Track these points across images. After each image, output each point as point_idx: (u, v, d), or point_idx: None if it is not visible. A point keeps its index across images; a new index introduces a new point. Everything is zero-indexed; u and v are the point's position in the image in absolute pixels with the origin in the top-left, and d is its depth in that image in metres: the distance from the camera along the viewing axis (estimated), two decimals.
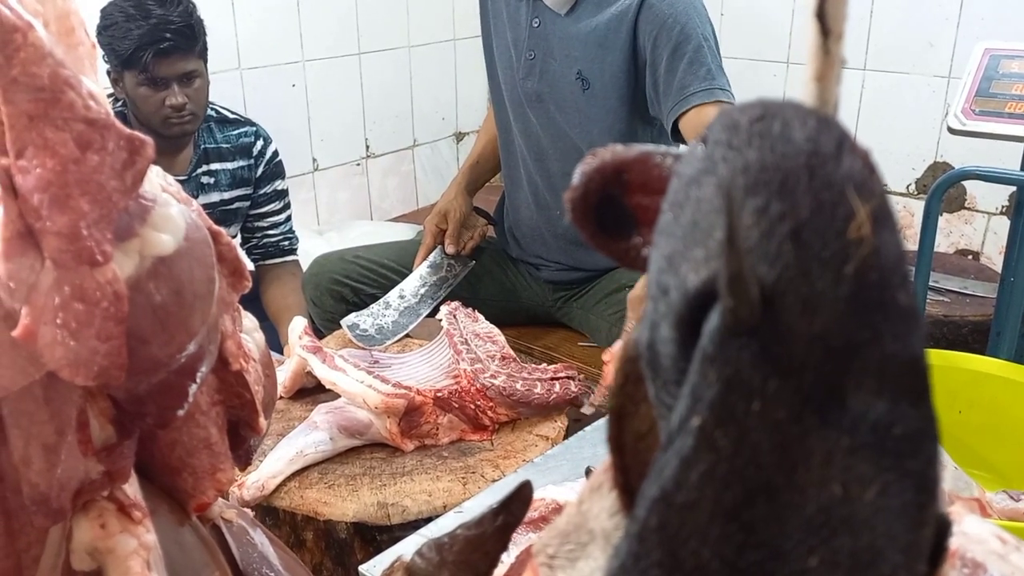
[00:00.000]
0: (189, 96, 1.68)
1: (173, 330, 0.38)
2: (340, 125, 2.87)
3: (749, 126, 0.24)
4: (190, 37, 1.67)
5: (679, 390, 0.24)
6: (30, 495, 0.39)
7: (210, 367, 0.42)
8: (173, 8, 1.64)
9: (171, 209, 0.38)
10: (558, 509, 0.95)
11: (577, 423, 1.55)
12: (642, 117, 1.70)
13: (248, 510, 0.54)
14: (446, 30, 3.14)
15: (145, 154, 0.36)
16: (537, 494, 0.99)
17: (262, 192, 1.95)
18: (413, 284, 1.79)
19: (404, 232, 2.64)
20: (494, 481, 1.25)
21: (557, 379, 1.46)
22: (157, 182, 0.40)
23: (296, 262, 2.04)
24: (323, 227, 2.79)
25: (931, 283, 2.11)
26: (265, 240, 1.99)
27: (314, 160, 2.83)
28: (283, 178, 1.99)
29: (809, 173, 0.23)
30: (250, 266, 1.98)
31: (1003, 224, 2.48)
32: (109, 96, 1.65)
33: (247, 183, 1.91)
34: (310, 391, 1.48)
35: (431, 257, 1.84)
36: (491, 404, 1.37)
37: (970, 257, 2.64)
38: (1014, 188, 1.82)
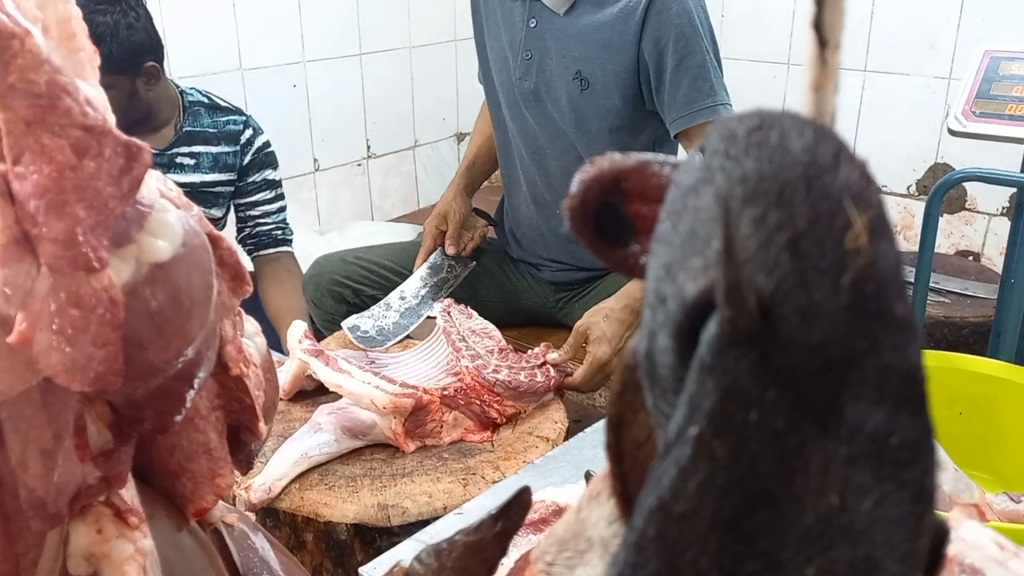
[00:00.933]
0: None
1: (170, 336, 0.38)
2: (341, 125, 2.88)
3: (747, 136, 0.24)
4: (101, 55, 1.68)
5: (677, 399, 0.24)
6: (27, 499, 0.39)
7: (208, 372, 0.42)
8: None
9: (168, 215, 0.38)
10: (558, 511, 0.95)
11: (577, 424, 1.55)
12: (641, 116, 1.70)
13: (250, 514, 0.54)
14: (447, 30, 3.15)
15: (142, 160, 0.36)
16: (537, 496, 0.99)
17: (250, 180, 1.96)
18: (413, 285, 1.79)
19: (405, 232, 2.64)
20: (494, 482, 1.25)
21: (546, 363, 1.50)
22: (156, 187, 0.40)
23: (291, 255, 2.05)
24: (324, 227, 2.80)
25: (931, 284, 2.11)
26: (258, 229, 2.00)
27: (315, 160, 2.84)
28: (275, 168, 2.00)
29: (807, 183, 0.23)
30: (249, 266, 1.99)
31: (1003, 225, 2.48)
32: None
33: (231, 169, 1.93)
34: (310, 392, 1.49)
35: (431, 259, 1.84)
36: (498, 398, 1.38)
37: (970, 258, 2.64)
38: (1014, 189, 1.82)
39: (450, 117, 3.28)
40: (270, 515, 1.21)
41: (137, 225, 0.37)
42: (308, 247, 2.41)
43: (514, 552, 0.41)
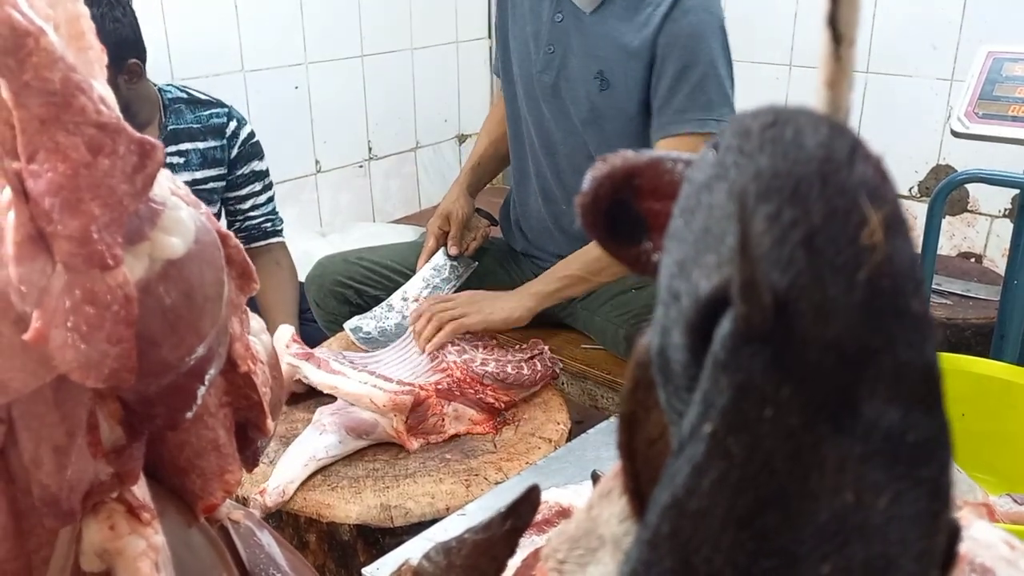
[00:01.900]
0: None
1: (183, 333, 0.38)
2: (343, 127, 2.88)
3: (761, 132, 0.24)
4: None
5: (690, 396, 0.24)
6: (40, 496, 0.39)
7: (219, 369, 0.42)
8: None
9: (181, 212, 0.38)
10: (561, 512, 0.95)
11: (580, 425, 1.55)
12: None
13: (255, 511, 0.54)
14: (449, 32, 3.15)
15: (155, 158, 0.36)
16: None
17: (239, 173, 1.95)
18: (416, 286, 1.79)
19: (407, 234, 2.64)
20: (497, 483, 1.25)
21: (534, 356, 1.52)
22: (167, 185, 0.40)
23: (282, 245, 2.04)
24: (325, 229, 2.80)
25: (934, 286, 2.11)
26: (248, 223, 1.99)
27: (317, 162, 2.84)
28: (261, 159, 1.99)
29: (822, 180, 0.23)
30: None
31: (1006, 227, 2.48)
32: None
33: (220, 163, 1.91)
34: (305, 393, 1.48)
35: (433, 259, 1.84)
36: (488, 388, 1.39)
37: (973, 260, 2.64)
38: (1017, 191, 1.82)
39: (452, 119, 3.28)
40: (273, 516, 1.21)
41: (150, 222, 0.37)
42: (310, 248, 2.41)
43: (519, 552, 0.41)
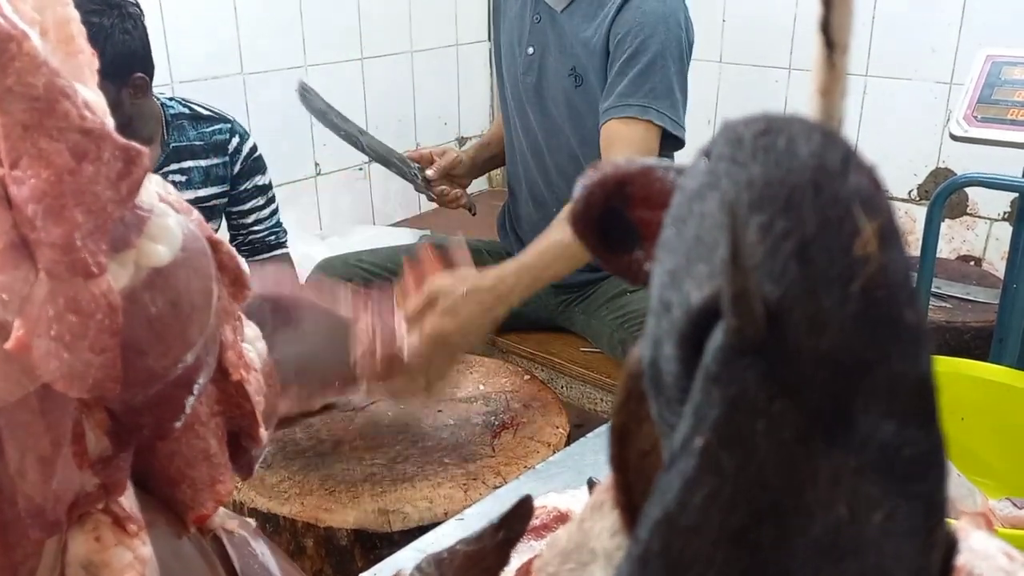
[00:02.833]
0: None
1: (169, 341, 0.38)
2: None
3: (753, 140, 0.23)
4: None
5: (682, 409, 0.23)
6: (25, 507, 0.38)
7: (208, 378, 0.41)
8: None
9: (168, 219, 0.38)
10: (560, 517, 0.95)
11: (579, 428, 1.55)
12: None
13: (251, 520, 0.53)
14: (448, 35, 3.15)
15: (141, 164, 0.36)
16: (538, 501, 0.98)
17: (243, 189, 1.94)
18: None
19: (407, 237, 2.64)
20: (495, 488, 1.24)
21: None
22: (155, 191, 0.40)
23: (287, 256, 2.03)
24: (325, 232, 2.79)
25: (933, 289, 2.10)
26: (251, 236, 1.99)
27: (316, 165, 2.83)
28: (263, 173, 1.98)
29: (815, 189, 0.22)
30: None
31: (1005, 230, 2.47)
32: None
33: (223, 181, 1.90)
34: None
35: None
36: None
37: (972, 263, 2.63)
38: (1016, 194, 1.82)
39: (451, 122, 3.28)
40: (270, 520, 1.21)
41: (136, 230, 0.37)
42: (310, 252, 2.41)
43: (515, 559, 0.41)
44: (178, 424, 0.41)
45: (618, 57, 1.60)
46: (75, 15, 0.41)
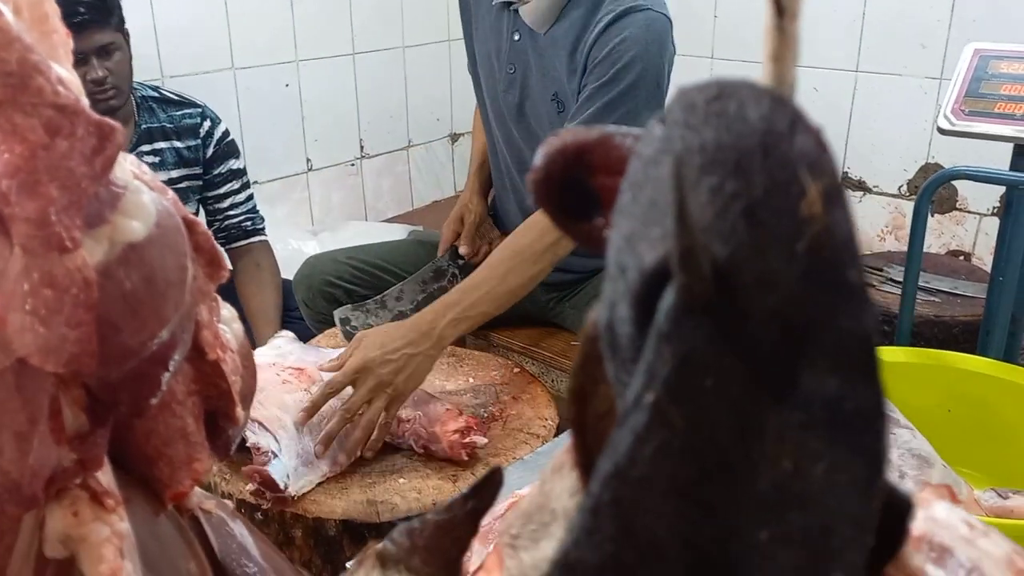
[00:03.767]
0: (110, 69, 1.69)
1: (144, 317, 0.38)
2: (334, 125, 2.88)
3: (706, 106, 0.24)
4: (103, 10, 1.68)
5: (636, 368, 0.24)
6: (2, 483, 0.39)
7: (184, 356, 0.42)
8: None
9: (142, 196, 0.38)
10: None
11: (568, 421, 1.55)
12: None
13: (228, 501, 0.54)
14: (440, 30, 3.15)
15: (115, 140, 0.36)
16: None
17: (216, 173, 1.95)
18: (413, 288, 1.76)
19: (398, 233, 2.64)
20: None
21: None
22: (130, 169, 0.40)
23: (263, 244, 2.04)
24: (317, 227, 2.80)
25: (922, 283, 2.12)
26: (227, 222, 2.00)
27: (308, 160, 2.83)
28: (237, 157, 1.99)
29: (763, 152, 0.23)
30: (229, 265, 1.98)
31: (994, 225, 2.48)
32: None
33: (195, 163, 1.92)
34: None
35: (436, 262, 1.79)
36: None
37: (961, 258, 2.64)
38: (1005, 190, 1.83)
39: (444, 117, 3.28)
40: (258, 511, 1.21)
41: (111, 206, 0.37)
42: (301, 247, 2.41)
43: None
44: (154, 401, 0.41)
45: (591, 80, 1.52)
46: None
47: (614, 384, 0.25)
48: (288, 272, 2.01)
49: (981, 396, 1.37)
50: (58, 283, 0.35)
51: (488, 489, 0.35)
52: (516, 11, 1.65)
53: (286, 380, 1.30)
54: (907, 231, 1.65)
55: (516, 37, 1.68)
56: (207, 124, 1.92)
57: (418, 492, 1.23)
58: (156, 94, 1.90)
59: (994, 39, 1.66)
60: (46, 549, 0.41)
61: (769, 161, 0.23)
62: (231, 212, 1.99)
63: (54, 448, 0.40)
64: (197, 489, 0.50)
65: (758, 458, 0.22)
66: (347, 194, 2.99)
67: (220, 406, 0.47)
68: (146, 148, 1.84)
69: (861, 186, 2.79)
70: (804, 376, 0.22)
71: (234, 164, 1.98)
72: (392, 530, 0.36)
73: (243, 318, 1.90)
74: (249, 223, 2.02)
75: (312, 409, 1.24)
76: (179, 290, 0.39)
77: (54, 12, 0.41)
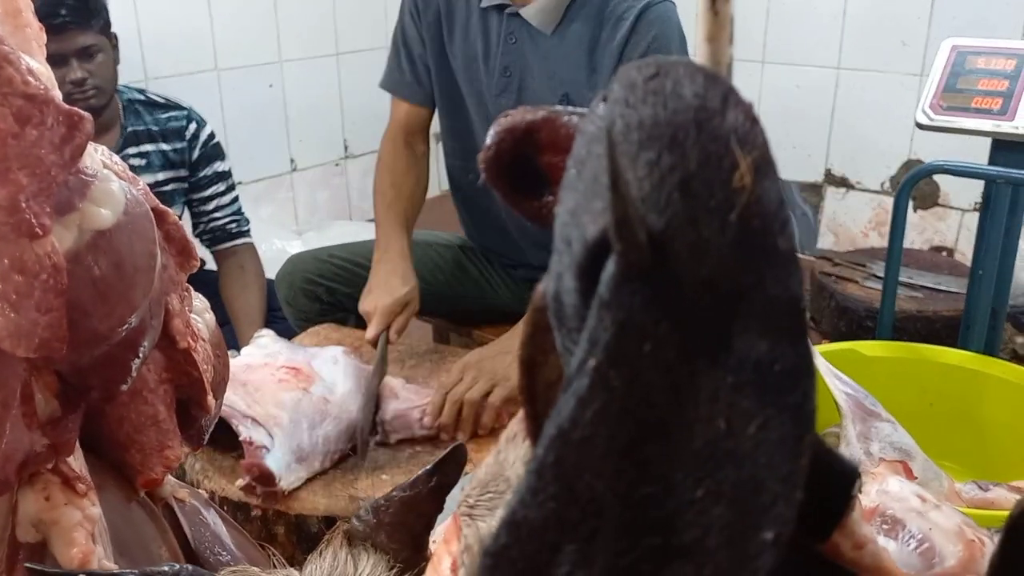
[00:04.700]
0: (91, 71, 1.69)
1: (114, 303, 0.39)
2: (318, 125, 2.88)
3: (644, 84, 0.25)
4: (85, 13, 1.68)
5: (580, 336, 0.25)
6: None
7: (153, 342, 0.43)
8: None
9: (112, 184, 0.39)
10: None
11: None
12: None
13: (202, 491, 0.54)
14: None
15: (84, 129, 0.37)
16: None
17: (202, 175, 1.96)
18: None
19: None
20: (467, 474, 1.25)
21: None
22: (100, 159, 0.41)
23: (248, 246, 2.04)
24: (302, 227, 2.80)
25: (905, 279, 2.13)
26: (212, 224, 2.00)
27: (292, 160, 2.84)
28: (223, 159, 1.99)
29: (697, 127, 0.24)
30: (211, 264, 1.98)
31: (976, 221, 2.50)
32: None
33: (181, 166, 1.92)
34: None
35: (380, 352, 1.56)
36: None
37: (944, 253, 2.67)
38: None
39: None
40: (240, 508, 1.22)
41: (80, 194, 0.38)
42: (286, 247, 2.41)
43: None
44: (125, 387, 0.42)
45: None
46: None
47: (561, 353, 0.26)
48: (272, 272, 2.01)
49: (962, 390, 1.38)
50: (28, 269, 0.36)
51: (451, 465, 0.36)
52: (510, 14, 1.62)
53: (282, 379, 1.31)
54: (886, 227, 1.67)
55: (511, 40, 1.64)
56: (193, 127, 1.93)
57: None
58: (142, 97, 1.90)
59: (974, 36, 1.68)
60: (19, 533, 0.41)
61: (703, 136, 0.24)
62: (216, 214, 1.99)
63: (26, 433, 0.41)
64: (170, 478, 0.51)
65: (693, 419, 0.23)
66: (332, 194, 2.99)
67: (192, 394, 0.48)
68: (132, 151, 1.85)
69: (844, 183, 2.81)
70: (736, 340, 0.23)
71: (220, 166, 1.98)
72: (359, 508, 0.37)
73: (227, 319, 1.91)
74: (234, 225, 2.02)
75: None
76: (148, 276, 0.40)
77: (27, 6, 0.41)
